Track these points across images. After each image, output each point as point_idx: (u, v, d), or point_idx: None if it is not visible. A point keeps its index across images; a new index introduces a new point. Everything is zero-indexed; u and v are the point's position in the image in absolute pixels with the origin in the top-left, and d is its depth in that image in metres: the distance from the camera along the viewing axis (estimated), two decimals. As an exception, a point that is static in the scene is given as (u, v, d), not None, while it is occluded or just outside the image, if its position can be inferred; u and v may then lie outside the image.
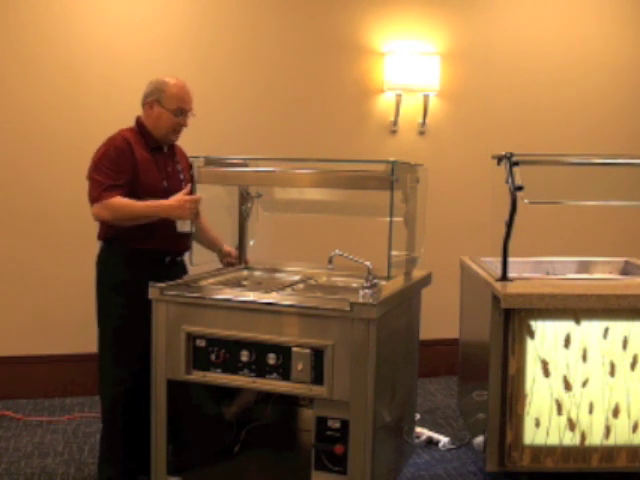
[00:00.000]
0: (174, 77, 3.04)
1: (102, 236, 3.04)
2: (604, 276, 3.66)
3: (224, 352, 2.76)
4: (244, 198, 3.42)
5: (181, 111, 2.99)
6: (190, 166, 3.15)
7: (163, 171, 3.03)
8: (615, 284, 3.25)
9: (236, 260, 3.40)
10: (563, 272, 3.68)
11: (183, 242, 3.09)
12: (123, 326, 2.97)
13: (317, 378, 2.66)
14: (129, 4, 4.22)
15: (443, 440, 3.65)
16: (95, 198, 2.91)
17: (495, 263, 3.33)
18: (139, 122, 3.04)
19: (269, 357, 2.71)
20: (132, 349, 2.97)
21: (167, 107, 2.97)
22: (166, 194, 2.98)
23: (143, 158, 2.96)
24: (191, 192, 3.02)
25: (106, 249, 3.04)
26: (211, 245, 3.34)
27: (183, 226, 3.04)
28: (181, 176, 3.12)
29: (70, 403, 4.20)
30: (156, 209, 2.91)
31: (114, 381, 2.99)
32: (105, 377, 3.05)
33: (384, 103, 4.60)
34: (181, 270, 3.14)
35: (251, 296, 2.77)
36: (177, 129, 3.03)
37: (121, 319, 2.97)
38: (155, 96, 2.99)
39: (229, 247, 3.40)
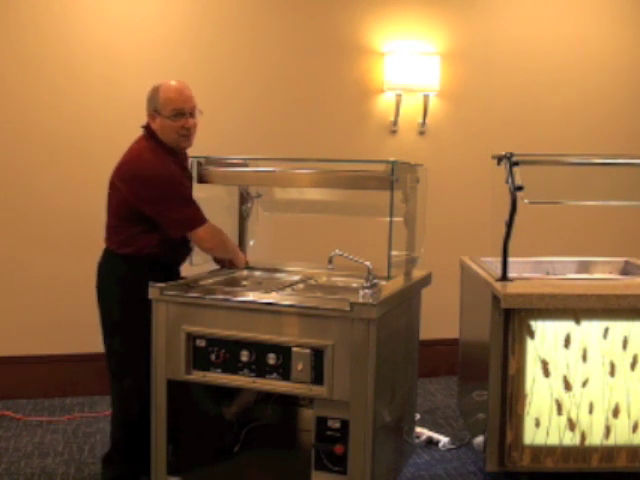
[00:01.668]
0: (170, 80, 2.93)
1: (121, 249, 2.92)
2: (604, 276, 3.66)
3: (224, 352, 2.76)
4: (244, 198, 3.42)
5: (179, 113, 2.87)
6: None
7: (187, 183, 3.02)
8: (615, 284, 3.25)
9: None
10: (563, 272, 3.68)
11: (188, 247, 3.10)
12: (129, 333, 2.94)
13: (317, 378, 2.66)
14: (129, 4, 4.22)
15: (443, 440, 3.65)
16: (200, 220, 2.89)
17: (495, 263, 3.33)
18: (152, 136, 2.93)
19: (269, 357, 2.71)
20: (139, 348, 2.91)
21: (164, 114, 2.86)
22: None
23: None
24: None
25: (110, 257, 2.96)
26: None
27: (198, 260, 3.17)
28: (188, 183, 3.07)
29: (70, 403, 4.20)
30: (234, 254, 3.17)
31: (130, 391, 2.96)
32: (119, 385, 2.99)
33: (384, 103, 4.60)
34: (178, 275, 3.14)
35: (251, 296, 2.77)
36: (183, 133, 2.90)
37: (145, 329, 2.89)
38: (153, 106, 2.90)
39: None
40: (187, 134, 2.93)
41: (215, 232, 2.97)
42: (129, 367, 2.96)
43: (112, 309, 2.95)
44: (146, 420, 2.91)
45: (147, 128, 2.96)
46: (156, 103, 2.89)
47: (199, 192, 3.17)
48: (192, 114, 2.93)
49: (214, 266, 3.32)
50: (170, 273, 3.02)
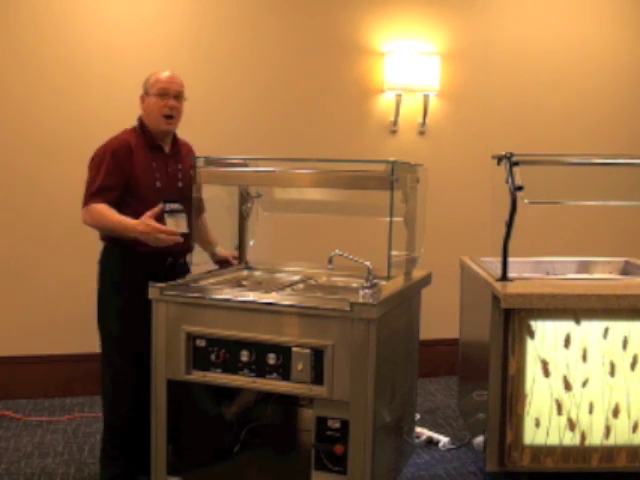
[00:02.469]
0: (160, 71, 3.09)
1: (102, 237, 3.06)
2: (604, 276, 3.66)
3: (224, 352, 2.76)
4: (244, 198, 3.42)
5: (164, 92, 2.99)
6: (192, 166, 3.15)
7: (160, 171, 3.03)
8: (615, 284, 3.25)
9: (235, 262, 3.39)
10: (563, 272, 3.68)
11: (183, 243, 3.06)
12: (122, 327, 2.98)
13: (317, 378, 2.66)
14: (129, 4, 4.22)
15: (443, 440, 3.65)
16: (84, 201, 2.96)
17: (495, 263, 3.32)
18: (139, 121, 3.08)
19: (269, 357, 2.71)
20: (132, 350, 2.97)
21: (151, 93, 3.02)
22: (159, 195, 2.98)
23: (141, 159, 2.98)
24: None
25: (106, 250, 3.05)
26: (205, 244, 3.33)
27: (178, 227, 3.01)
28: (179, 175, 3.10)
29: (70, 403, 4.20)
30: (124, 229, 2.88)
31: (116, 383, 3.00)
32: (107, 378, 3.04)
33: (384, 103, 4.60)
34: (184, 272, 3.12)
35: (251, 296, 2.76)
36: (165, 113, 3.00)
37: (120, 320, 2.98)
38: (143, 89, 3.06)
39: (224, 251, 3.37)
40: (169, 114, 3.02)
41: (91, 212, 2.92)
42: (106, 360, 3.02)
43: (98, 297, 3.04)
44: (146, 420, 2.92)
45: (139, 119, 3.09)
46: (146, 85, 3.06)
47: (199, 192, 3.18)
48: (177, 98, 3.04)
49: (214, 266, 3.32)
50: (162, 265, 2.99)
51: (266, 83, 4.44)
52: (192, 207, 3.16)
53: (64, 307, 4.23)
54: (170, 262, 3.04)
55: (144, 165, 2.99)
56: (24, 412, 4.05)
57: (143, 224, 2.83)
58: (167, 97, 3.00)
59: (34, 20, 4.10)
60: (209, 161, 3.19)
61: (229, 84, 4.40)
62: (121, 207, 2.95)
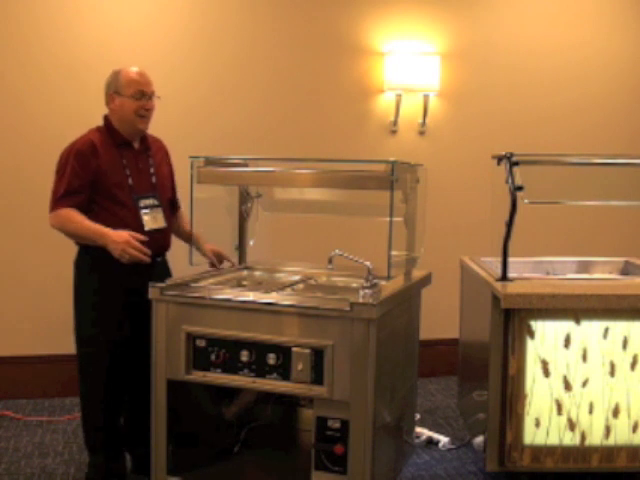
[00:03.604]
0: (129, 66, 3.04)
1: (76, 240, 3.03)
2: (604, 276, 3.66)
3: (224, 352, 2.76)
4: (244, 198, 3.42)
5: (141, 93, 2.96)
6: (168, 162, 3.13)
7: (130, 168, 3.00)
8: (615, 284, 3.26)
9: (227, 257, 3.37)
10: (563, 272, 3.68)
11: (160, 242, 3.05)
12: (97, 331, 2.98)
13: (317, 378, 2.66)
14: (129, 4, 4.22)
15: (443, 440, 3.65)
16: (51, 206, 2.93)
17: (495, 263, 3.33)
18: (105, 119, 3.04)
19: (269, 357, 2.71)
20: (108, 351, 2.98)
21: (126, 94, 2.95)
22: (132, 191, 2.97)
23: (108, 157, 2.94)
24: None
25: (79, 253, 3.04)
26: (185, 237, 3.27)
27: (155, 223, 3.01)
28: (152, 170, 3.08)
29: (70, 403, 4.20)
30: (98, 238, 2.87)
31: (90, 377, 3.04)
32: (83, 384, 3.07)
33: (384, 103, 4.60)
34: (162, 272, 3.08)
35: (251, 296, 2.76)
36: (142, 113, 2.97)
37: (94, 324, 2.98)
38: (113, 87, 2.99)
39: (217, 248, 3.30)
40: (145, 115, 3.00)
41: (59, 216, 2.92)
42: (83, 364, 3.04)
43: (74, 301, 3.08)
44: (145, 419, 2.92)
45: (104, 117, 3.05)
46: (117, 85, 2.98)
47: (199, 192, 3.17)
48: (151, 97, 3.02)
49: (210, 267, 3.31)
50: (137, 266, 2.91)
51: (266, 83, 4.44)
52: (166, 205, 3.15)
53: (64, 307, 4.17)
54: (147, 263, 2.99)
55: (111, 163, 2.95)
56: (24, 412, 4.05)
57: (121, 237, 2.80)
58: (144, 98, 2.97)
59: (34, 20, 4.10)
60: (209, 161, 3.19)
61: (229, 84, 4.40)
62: (93, 208, 2.92)
